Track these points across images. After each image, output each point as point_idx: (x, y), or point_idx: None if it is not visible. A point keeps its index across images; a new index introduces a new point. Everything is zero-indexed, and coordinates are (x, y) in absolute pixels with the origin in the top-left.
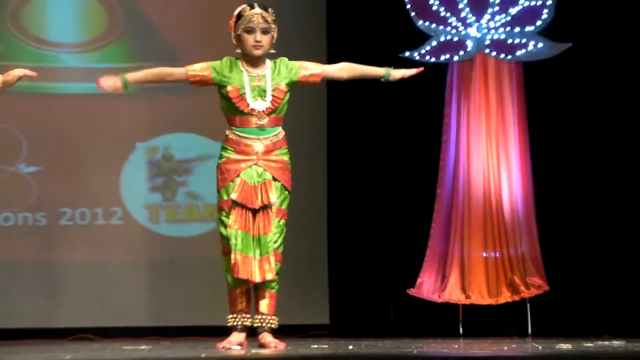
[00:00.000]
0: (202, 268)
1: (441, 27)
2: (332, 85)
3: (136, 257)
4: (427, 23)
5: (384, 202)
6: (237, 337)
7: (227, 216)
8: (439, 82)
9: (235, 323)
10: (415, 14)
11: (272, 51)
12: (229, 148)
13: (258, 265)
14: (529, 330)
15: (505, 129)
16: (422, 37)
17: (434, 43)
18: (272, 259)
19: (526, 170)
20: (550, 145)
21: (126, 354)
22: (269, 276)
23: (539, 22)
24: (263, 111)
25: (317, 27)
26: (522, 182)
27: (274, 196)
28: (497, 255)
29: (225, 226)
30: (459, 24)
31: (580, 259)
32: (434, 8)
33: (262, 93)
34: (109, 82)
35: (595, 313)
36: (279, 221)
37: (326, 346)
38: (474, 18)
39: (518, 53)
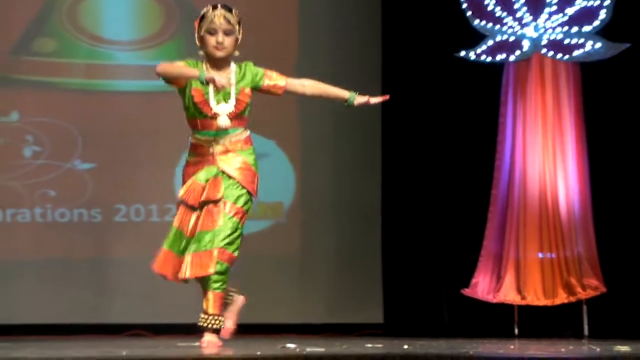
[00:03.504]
0: (257, 266)
1: (497, 26)
2: (387, 81)
3: None
4: (482, 23)
5: (438, 201)
6: (207, 336)
7: (176, 215)
8: (494, 82)
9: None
10: (471, 13)
11: (236, 53)
12: (191, 153)
13: (190, 261)
14: (585, 332)
15: (561, 129)
16: (478, 37)
17: (490, 43)
18: (214, 254)
19: (583, 170)
20: (607, 146)
21: (181, 351)
22: (201, 272)
23: (596, 22)
24: (227, 115)
25: (372, 27)
26: (579, 183)
27: (221, 192)
28: (553, 256)
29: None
30: (515, 23)
31: (638, 260)
32: (490, 8)
33: (226, 96)
34: (224, 81)
35: None
36: (230, 218)
37: (380, 345)
38: (530, 18)
39: (575, 53)
